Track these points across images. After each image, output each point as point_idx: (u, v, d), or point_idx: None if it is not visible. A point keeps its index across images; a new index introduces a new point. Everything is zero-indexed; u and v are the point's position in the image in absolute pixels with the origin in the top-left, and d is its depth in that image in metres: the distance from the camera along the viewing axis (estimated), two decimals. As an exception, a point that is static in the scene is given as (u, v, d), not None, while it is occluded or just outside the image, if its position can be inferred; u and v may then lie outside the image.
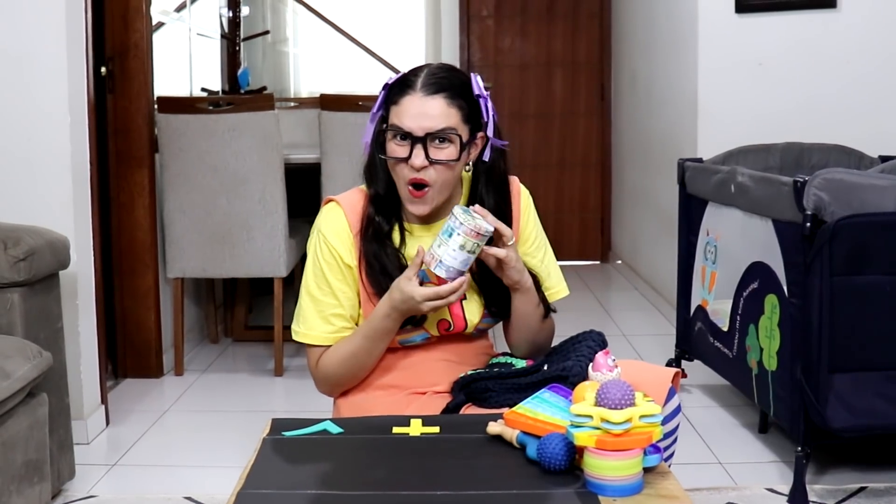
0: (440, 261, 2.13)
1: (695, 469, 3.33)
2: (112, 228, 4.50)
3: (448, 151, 2.21)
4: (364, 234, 2.29)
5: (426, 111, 2.19)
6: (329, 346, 2.32)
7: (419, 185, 2.22)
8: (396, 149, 2.22)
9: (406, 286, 2.17)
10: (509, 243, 2.22)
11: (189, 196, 4.53)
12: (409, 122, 2.19)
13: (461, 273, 2.15)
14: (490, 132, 2.27)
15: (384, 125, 2.26)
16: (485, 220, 2.14)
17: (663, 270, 5.69)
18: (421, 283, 2.18)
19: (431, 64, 2.29)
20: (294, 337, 2.36)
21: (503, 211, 2.32)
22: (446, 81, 2.23)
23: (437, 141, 2.20)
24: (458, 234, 2.11)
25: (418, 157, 2.19)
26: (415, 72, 2.26)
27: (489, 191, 2.32)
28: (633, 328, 5.39)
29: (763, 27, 4.78)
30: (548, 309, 2.38)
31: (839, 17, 4.71)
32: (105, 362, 3.94)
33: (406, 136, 2.20)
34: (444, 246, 2.13)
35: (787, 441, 3.54)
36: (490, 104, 2.28)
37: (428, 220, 2.32)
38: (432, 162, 2.20)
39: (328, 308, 2.30)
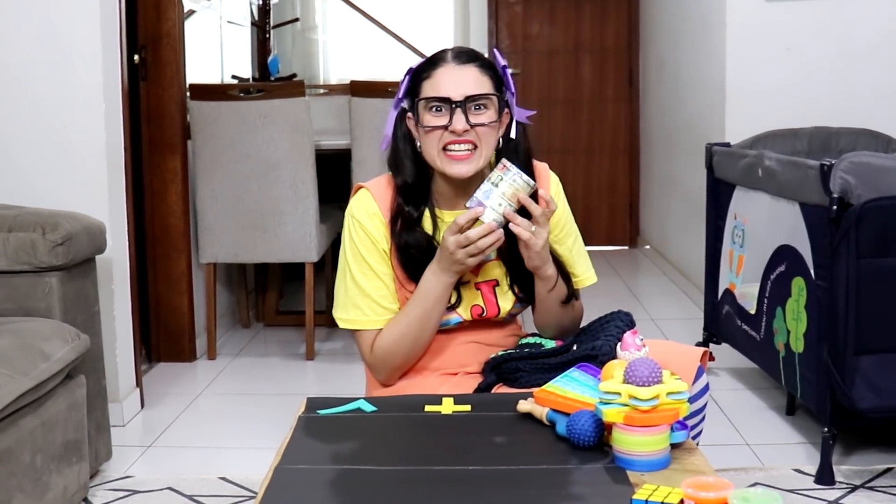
0: (489, 208, 2.15)
1: (723, 450, 3.36)
2: (145, 214, 4.55)
3: (488, 114, 2.24)
4: (394, 224, 2.31)
5: (462, 78, 2.22)
6: (378, 329, 2.33)
7: (460, 148, 2.22)
8: (433, 119, 2.23)
9: (445, 238, 2.18)
10: (531, 229, 2.21)
11: (221, 182, 4.58)
12: (445, 90, 2.21)
13: (501, 224, 2.16)
14: (514, 108, 2.31)
15: (411, 110, 2.29)
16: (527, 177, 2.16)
17: (691, 255, 5.70)
18: None
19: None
20: (341, 325, 2.35)
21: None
22: (474, 53, 2.28)
23: (474, 107, 2.22)
24: (506, 183, 2.14)
25: (459, 122, 2.20)
26: (440, 51, 2.30)
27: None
28: (662, 312, 5.41)
29: (791, 12, 4.77)
30: (570, 297, 2.37)
31: (867, 2, 4.70)
32: (139, 346, 3.99)
33: (441, 106, 2.22)
34: (492, 194, 2.14)
35: (813, 423, 3.56)
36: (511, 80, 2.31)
37: (457, 205, 2.33)
38: (473, 125, 2.21)
39: (374, 291, 2.31)
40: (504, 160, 2.17)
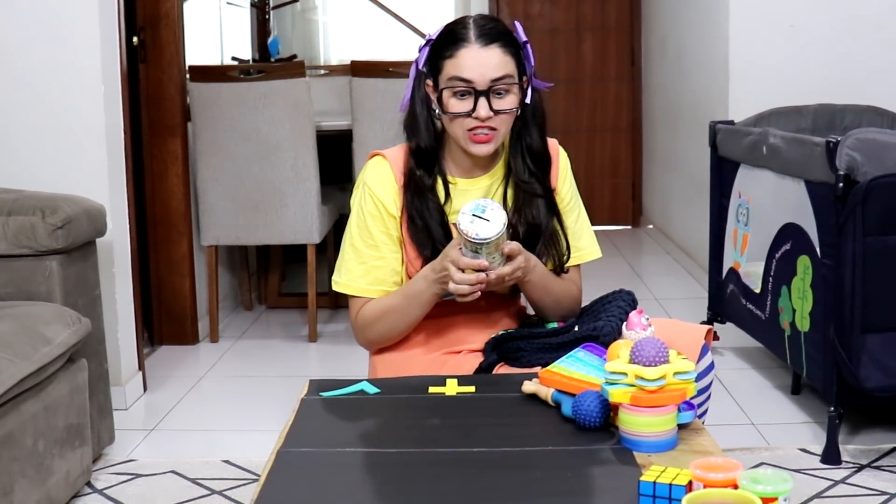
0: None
1: (728, 430, 3.35)
2: (146, 197, 4.53)
3: (510, 100, 2.26)
4: (406, 188, 2.33)
5: (486, 61, 2.22)
6: (369, 297, 2.35)
7: (483, 131, 2.24)
8: (458, 104, 2.25)
9: (451, 250, 2.16)
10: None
11: (222, 164, 4.55)
12: (469, 73, 2.22)
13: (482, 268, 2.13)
14: (532, 78, 2.32)
15: (432, 80, 2.30)
16: (478, 231, 2.09)
17: (695, 234, 5.68)
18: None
19: (472, 15, 2.31)
20: (334, 287, 2.39)
21: (544, 154, 2.37)
22: (496, 30, 2.26)
23: (497, 92, 2.23)
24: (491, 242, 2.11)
25: (483, 109, 2.22)
26: (462, 23, 2.28)
27: (532, 133, 2.35)
28: (665, 292, 5.39)
29: (794, -12, 4.75)
30: (560, 269, 2.38)
31: (872, -23, 4.68)
32: (141, 329, 3.98)
33: (466, 91, 2.22)
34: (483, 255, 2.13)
35: (819, 402, 3.55)
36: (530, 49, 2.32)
37: (471, 172, 2.36)
38: (497, 112, 2.23)
39: (370, 259, 2.33)
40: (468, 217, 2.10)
